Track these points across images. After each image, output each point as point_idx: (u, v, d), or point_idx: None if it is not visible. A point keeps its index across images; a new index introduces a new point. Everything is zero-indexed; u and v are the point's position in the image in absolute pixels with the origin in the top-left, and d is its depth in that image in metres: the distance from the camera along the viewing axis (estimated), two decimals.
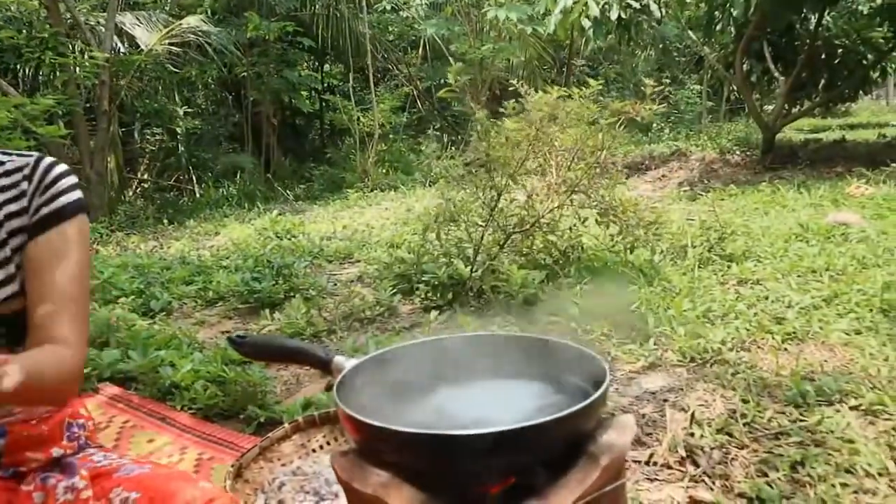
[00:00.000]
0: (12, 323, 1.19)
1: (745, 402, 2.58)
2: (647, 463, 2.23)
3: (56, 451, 1.24)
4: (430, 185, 9.36)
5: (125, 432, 2.70)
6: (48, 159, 1.25)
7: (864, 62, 9.82)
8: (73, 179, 1.24)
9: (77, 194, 1.23)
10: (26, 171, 1.21)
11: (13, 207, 1.19)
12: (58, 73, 9.45)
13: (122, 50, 10.05)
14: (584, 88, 4.13)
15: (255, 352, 1.48)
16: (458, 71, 4.42)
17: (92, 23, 9.86)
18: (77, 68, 8.90)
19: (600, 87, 4.19)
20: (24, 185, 1.20)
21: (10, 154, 1.25)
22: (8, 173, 1.21)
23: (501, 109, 4.36)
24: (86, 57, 8.94)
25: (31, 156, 1.24)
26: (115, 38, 9.66)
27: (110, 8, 9.28)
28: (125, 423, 2.77)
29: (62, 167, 1.24)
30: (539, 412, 1.10)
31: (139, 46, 9.96)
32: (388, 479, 1.03)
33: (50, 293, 1.16)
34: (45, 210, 1.19)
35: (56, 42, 8.42)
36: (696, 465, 2.20)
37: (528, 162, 4.16)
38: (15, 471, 1.20)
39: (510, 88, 4.53)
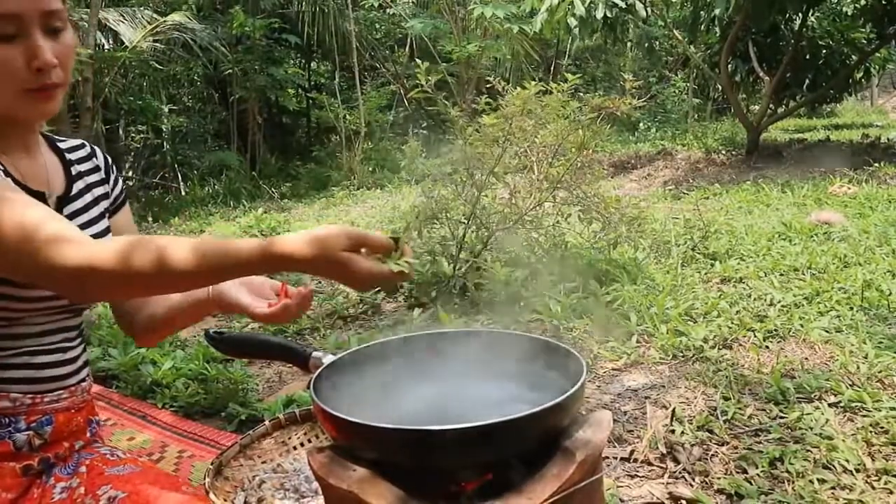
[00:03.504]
0: None
1: (725, 399, 2.59)
2: (627, 459, 2.24)
3: (78, 444, 1.27)
4: (416, 184, 9.34)
5: (105, 430, 2.68)
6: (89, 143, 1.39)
7: (848, 63, 9.91)
8: None
9: None
10: (87, 149, 1.33)
11: (94, 178, 1.31)
12: None
13: (105, 47, 9.97)
14: (562, 84, 4.12)
15: (233, 348, 1.48)
16: (428, 70, 4.38)
17: (75, 18, 9.73)
18: None
19: (578, 81, 4.17)
20: (94, 160, 1.33)
21: (60, 137, 1.34)
22: (74, 148, 1.31)
23: (475, 106, 4.35)
24: None
25: (74, 139, 1.35)
26: (99, 34, 9.58)
27: (93, 4, 9.21)
28: (105, 422, 2.74)
29: None
30: (516, 408, 1.10)
31: (123, 43, 9.88)
32: (365, 474, 1.02)
33: None
34: (118, 188, 1.36)
35: None
36: (677, 461, 2.21)
37: (508, 159, 4.16)
38: (46, 462, 1.20)
39: (492, 86, 4.52)
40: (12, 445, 1.15)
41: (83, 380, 1.30)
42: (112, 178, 1.35)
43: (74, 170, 1.27)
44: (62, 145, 1.29)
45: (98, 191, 1.30)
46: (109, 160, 1.37)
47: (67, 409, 1.23)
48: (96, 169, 1.32)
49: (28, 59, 1.04)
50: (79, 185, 1.26)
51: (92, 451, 1.27)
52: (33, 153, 1.20)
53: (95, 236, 1.21)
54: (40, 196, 1.15)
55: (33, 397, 1.17)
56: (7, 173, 1.11)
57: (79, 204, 1.24)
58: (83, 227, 1.21)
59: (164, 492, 1.15)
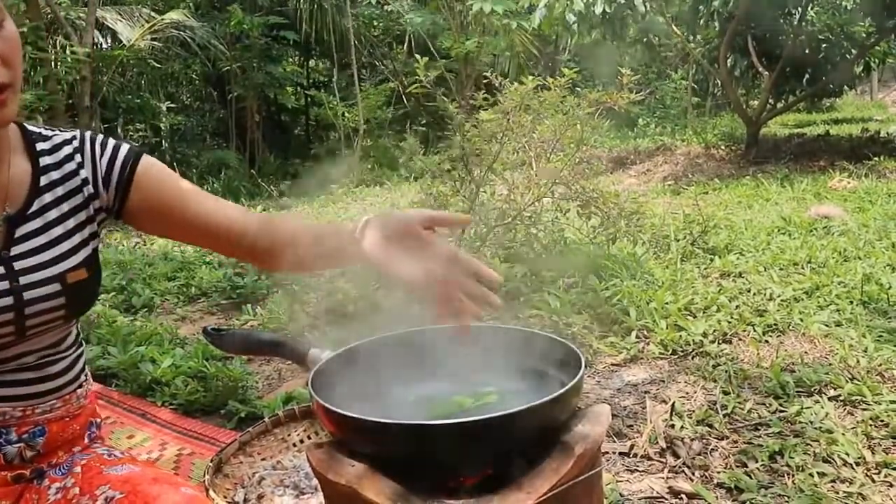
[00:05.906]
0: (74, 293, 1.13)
1: (725, 393, 2.59)
2: (627, 454, 2.24)
3: (76, 450, 1.23)
4: (415, 181, 9.34)
5: (105, 429, 2.68)
6: (87, 132, 1.20)
7: (848, 57, 9.89)
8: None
9: (127, 145, 1.20)
10: (75, 144, 1.15)
11: (71, 184, 1.14)
12: (38, 69, 9.37)
13: (103, 45, 9.96)
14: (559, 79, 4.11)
15: (231, 344, 1.47)
16: (427, 65, 4.39)
17: (72, 17, 9.77)
18: (57, 64, 8.81)
19: (575, 75, 4.15)
20: (79, 156, 1.15)
21: (53, 131, 1.18)
22: (56, 147, 1.14)
23: (472, 101, 4.34)
24: (66, 52, 8.86)
25: (65, 132, 1.18)
26: (97, 33, 9.58)
27: (91, 3, 9.20)
28: (105, 420, 2.74)
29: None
30: (514, 403, 1.10)
31: (121, 42, 9.89)
32: (363, 470, 1.02)
33: (196, 199, 1.24)
34: (116, 164, 1.15)
35: (35, 37, 8.31)
36: (676, 455, 2.21)
37: (507, 154, 4.15)
38: (39, 471, 1.17)
39: (489, 80, 4.51)
40: (3, 458, 1.11)
41: (80, 386, 1.23)
42: (101, 165, 1.16)
43: (45, 178, 1.12)
44: (41, 146, 1.13)
45: (74, 201, 1.14)
46: (98, 148, 1.16)
47: (62, 418, 1.18)
48: (76, 171, 1.14)
49: None
50: (44, 199, 1.11)
51: (88, 451, 1.24)
52: None
53: (58, 257, 1.10)
54: None
55: (24, 409, 1.12)
56: None
57: (36, 223, 1.10)
58: (38, 249, 1.09)
59: (163, 492, 1.11)
